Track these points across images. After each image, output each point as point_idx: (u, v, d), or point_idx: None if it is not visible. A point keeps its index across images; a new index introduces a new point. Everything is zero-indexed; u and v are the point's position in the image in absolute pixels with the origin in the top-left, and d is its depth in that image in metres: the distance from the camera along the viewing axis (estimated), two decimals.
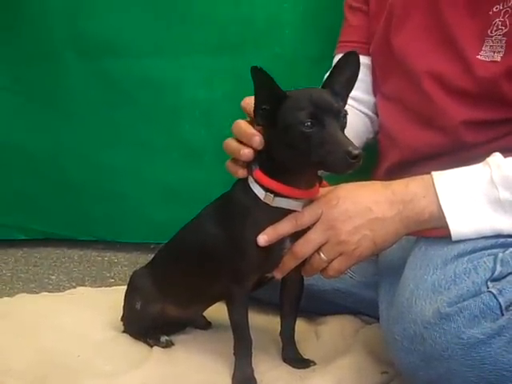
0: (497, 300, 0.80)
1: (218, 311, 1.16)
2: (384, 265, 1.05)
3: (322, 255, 0.96)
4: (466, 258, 0.86)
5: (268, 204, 0.95)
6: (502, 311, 0.80)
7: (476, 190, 0.90)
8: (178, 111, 1.72)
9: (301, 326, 1.24)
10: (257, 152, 0.94)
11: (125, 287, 1.18)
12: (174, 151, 1.75)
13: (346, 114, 0.91)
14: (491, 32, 1.04)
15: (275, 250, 0.97)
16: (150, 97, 1.72)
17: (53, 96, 1.75)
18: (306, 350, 1.12)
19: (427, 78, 1.11)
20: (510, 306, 0.80)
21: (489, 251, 0.87)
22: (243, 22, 1.62)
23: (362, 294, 1.24)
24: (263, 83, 0.89)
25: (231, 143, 0.97)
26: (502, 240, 0.89)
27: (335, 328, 1.21)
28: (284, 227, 0.95)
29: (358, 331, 1.19)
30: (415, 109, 1.10)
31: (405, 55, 1.16)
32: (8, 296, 1.44)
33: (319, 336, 1.19)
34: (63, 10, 1.67)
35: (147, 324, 1.15)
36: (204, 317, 1.23)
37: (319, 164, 0.89)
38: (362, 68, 1.17)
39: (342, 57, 0.95)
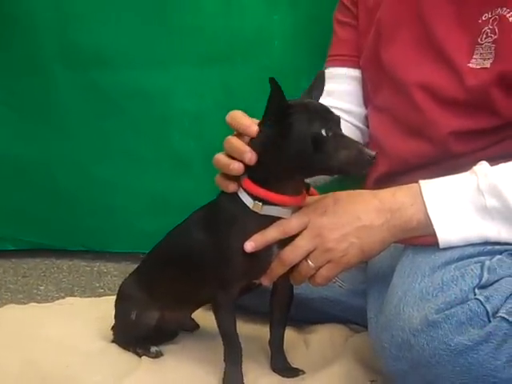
0: (484, 307, 0.80)
1: (206, 317, 1.17)
2: (372, 273, 1.05)
3: (309, 262, 0.96)
4: (453, 266, 0.86)
5: (256, 212, 0.96)
6: (489, 318, 0.80)
7: (463, 198, 0.91)
8: (167, 122, 1.73)
9: (290, 334, 1.24)
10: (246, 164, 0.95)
11: (114, 297, 1.18)
12: (164, 161, 1.75)
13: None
14: (481, 40, 1.06)
15: (262, 257, 0.98)
16: (139, 107, 1.72)
17: (43, 107, 1.75)
18: (295, 359, 1.12)
19: (417, 89, 1.13)
20: (497, 312, 0.80)
21: (476, 259, 0.88)
22: (233, 34, 1.63)
23: (351, 302, 1.24)
24: (278, 95, 0.91)
25: (221, 158, 0.98)
26: (489, 247, 0.90)
27: (324, 336, 1.21)
28: (271, 234, 0.96)
29: (346, 339, 1.19)
30: (405, 120, 1.11)
31: (395, 68, 1.17)
32: None
33: (308, 344, 1.19)
34: (52, 22, 1.67)
35: (142, 333, 1.14)
36: (192, 319, 1.23)
37: (337, 169, 0.91)
38: (351, 81, 1.20)
39: (317, 74, 1.01)
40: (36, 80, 1.72)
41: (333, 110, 0.96)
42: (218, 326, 1.04)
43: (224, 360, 1.04)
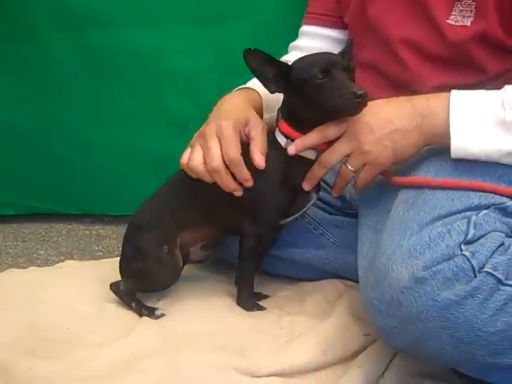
0: (470, 262, 0.82)
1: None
2: (362, 230, 1.06)
3: (348, 166, 1.04)
4: (440, 222, 0.87)
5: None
6: (474, 273, 0.81)
7: (486, 111, 0.95)
8: (161, 82, 1.72)
9: (285, 291, 1.27)
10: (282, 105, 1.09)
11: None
12: (159, 122, 1.75)
13: (354, 67, 1.04)
14: None
15: (300, 200, 1.12)
16: (132, 68, 1.71)
17: (36, 70, 1.73)
18: (291, 315, 1.14)
19: (402, 45, 1.14)
20: (482, 268, 0.82)
21: (463, 214, 0.88)
22: None
23: (346, 259, 1.25)
24: (265, 60, 1.04)
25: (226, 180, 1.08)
26: (476, 202, 0.91)
27: (319, 292, 1.23)
28: (311, 138, 1.05)
29: (341, 295, 1.21)
30: (390, 75, 1.11)
31: (380, 24, 1.18)
32: None
33: (304, 300, 1.21)
34: None
35: (173, 268, 1.17)
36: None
37: (331, 111, 1.00)
38: (323, 39, 1.23)
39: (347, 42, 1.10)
40: (29, 43, 1.70)
41: None
42: (240, 249, 1.16)
43: (235, 283, 1.20)
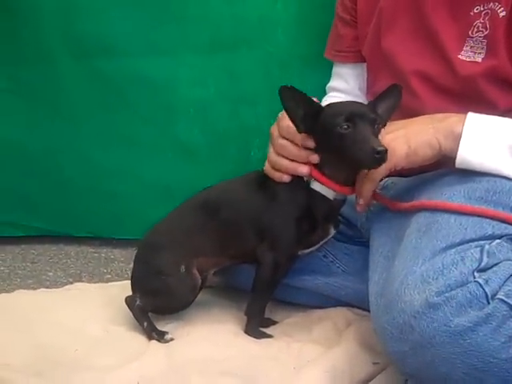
0: (483, 289, 0.82)
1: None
2: (374, 256, 1.07)
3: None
4: (453, 250, 0.88)
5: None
6: (488, 300, 0.82)
7: (499, 133, 0.99)
8: (172, 110, 1.73)
9: (294, 317, 1.27)
10: None
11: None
12: (169, 149, 1.76)
13: (380, 123, 1.04)
14: (472, 33, 1.09)
15: (319, 233, 1.16)
16: (144, 96, 1.72)
17: (48, 96, 1.74)
18: (300, 342, 1.14)
19: (414, 76, 1.17)
20: (495, 295, 0.82)
21: (476, 243, 0.89)
22: (236, 21, 1.63)
23: (355, 287, 1.26)
24: (300, 99, 1.05)
25: (286, 163, 1.11)
26: (489, 232, 0.92)
27: (328, 320, 1.23)
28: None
29: (350, 323, 1.21)
30: (403, 106, 1.13)
31: (394, 56, 1.21)
32: (6, 292, 1.45)
33: (312, 328, 1.21)
34: (57, 11, 1.66)
35: (192, 286, 1.17)
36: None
37: (352, 161, 1.03)
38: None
39: (389, 86, 1.09)
40: (41, 69, 1.72)
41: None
42: (256, 277, 1.17)
43: (245, 313, 1.20)
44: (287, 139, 1.10)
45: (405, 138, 1.02)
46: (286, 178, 1.12)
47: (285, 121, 1.09)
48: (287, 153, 1.11)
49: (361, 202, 1.09)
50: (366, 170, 1.06)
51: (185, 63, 1.68)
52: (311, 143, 1.08)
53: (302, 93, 1.05)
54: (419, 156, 1.02)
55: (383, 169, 1.01)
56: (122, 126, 1.76)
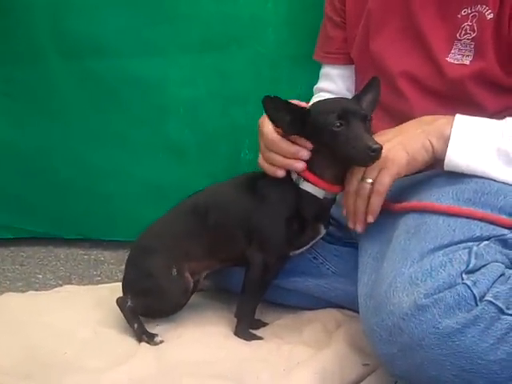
0: (471, 291, 0.83)
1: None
2: (363, 258, 1.07)
3: (366, 180, 1.02)
4: (441, 252, 0.88)
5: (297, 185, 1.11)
6: (476, 302, 0.82)
7: (487, 134, 0.99)
8: (162, 109, 1.72)
9: (284, 319, 1.27)
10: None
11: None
12: (159, 149, 1.76)
13: (370, 119, 1.04)
14: (460, 36, 1.09)
15: (309, 233, 1.15)
16: (135, 95, 1.72)
17: (39, 96, 1.74)
18: (290, 344, 1.14)
19: (402, 78, 1.17)
20: (483, 296, 0.83)
21: (464, 244, 0.90)
22: (227, 21, 1.63)
23: (345, 288, 1.25)
24: (283, 107, 1.05)
25: (279, 159, 1.09)
26: (477, 234, 0.92)
27: (318, 322, 1.23)
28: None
29: (340, 325, 1.21)
30: (391, 108, 1.14)
31: (382, 58, 1.21)
32: None
33: (302, 329, 1.21)
34: (47, 11, 1.66)
35: (184, 289, 1.17)
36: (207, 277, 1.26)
37: (345, 158, 1.02)
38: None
39: (370, 80, 1.10)
40: (33, 69, 1.71)
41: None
42: (245, 279, 1.16)
43: (235, 315, 1.19)
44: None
45: (401, 145, 1.01)
46: (280, 173, 1.10)
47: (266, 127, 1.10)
48: (278, 149, 1.10)
49: (370, 219, 1.03)
50: (359, 190, 1.05)
51: (175, 63, 1.68)
52: (309, 144, 1.07)
53: (285, 101, 1.05)
54: (418, 161, 1.02)
55: (388, 180, 1.01)
56: (113, 126, 1.75)
